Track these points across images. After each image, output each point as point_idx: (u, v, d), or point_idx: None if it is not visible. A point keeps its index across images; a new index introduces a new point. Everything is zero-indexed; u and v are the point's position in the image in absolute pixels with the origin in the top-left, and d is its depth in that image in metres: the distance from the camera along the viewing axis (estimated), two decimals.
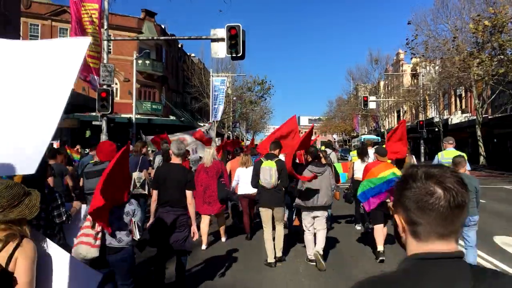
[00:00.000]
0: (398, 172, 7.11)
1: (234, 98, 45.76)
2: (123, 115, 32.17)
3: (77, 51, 2.56)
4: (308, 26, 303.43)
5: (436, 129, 37.34)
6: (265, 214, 7.10)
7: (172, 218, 5.32)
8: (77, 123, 20.13)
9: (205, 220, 8.42)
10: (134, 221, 4.43)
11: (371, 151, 10.47)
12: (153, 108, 36.24)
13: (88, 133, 30.40)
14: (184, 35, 15.90)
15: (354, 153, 11.63)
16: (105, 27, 15.45)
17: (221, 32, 14.90)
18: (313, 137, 9.89)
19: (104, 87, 15.15)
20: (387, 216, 7.27)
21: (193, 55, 51.69)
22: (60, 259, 2.62)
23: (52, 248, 2.65)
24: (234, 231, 9.69)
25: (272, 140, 7.93)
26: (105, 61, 15.43)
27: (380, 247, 7.26)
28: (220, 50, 15.15)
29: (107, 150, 5.69)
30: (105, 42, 15.57)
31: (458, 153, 8.06)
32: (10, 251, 2.23)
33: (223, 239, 8.81)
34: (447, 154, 8.38)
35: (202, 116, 47.46)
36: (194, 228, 5.44)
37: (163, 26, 38.47)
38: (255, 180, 7.11)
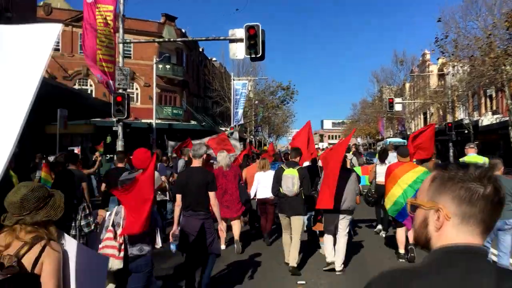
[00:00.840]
0: (421, 171, 6.94)
1: (256, 102, 45.14)
2: (143, 120, 31.90)
3: (47, 38, 2.24)
4: (331, 27, 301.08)
5: (466, 131, 35.86)
6: (284, 221, 7.16)
7: (196, 223, 5.41)
8: (93, 128, 19.78)
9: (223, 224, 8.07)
10: (156, 229, 4.50)
11: (392, 154, 10.69)
12: (174, 113, 35.90)
13: (109, 139, 30.18)
14: (202, 37, 15.56)
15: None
16: (121, 29, 14.97)
17: (240, 33, 14.35)
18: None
19: (120, 91, 14.70)
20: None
21: (214, 59, 51.33)
22: (76, 252, 2.59)
23: (69, 243, 2.63)
24: (251, 237, 9.72)
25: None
26: (120, 65, 14.96)
27: (401, 250, 7.42)
28: (238, 51, 14.58)
29: (142, 158, 5.77)
30: (121, 45, 15.09)
31: (481, 158, 8.23)
32: (36, 253, 2.25)
33: (236, 249, 8.41)
34: (469, 159, 8.31)
35: (223, 121, 47.01)
36: (220, 226, 5.59)
37: (183, 30, 38.19)
38: (276, 187, 7.08)
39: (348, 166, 8.04)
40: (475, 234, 1.22)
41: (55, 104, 14.43)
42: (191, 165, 5.84)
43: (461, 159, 8.75)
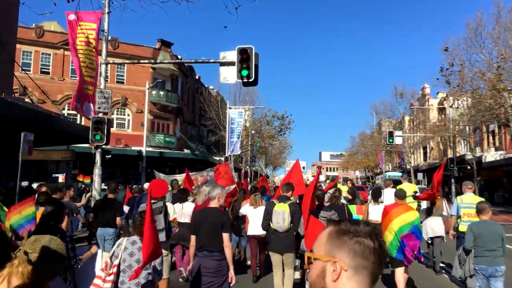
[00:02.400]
0: (415, 217, 7.10)
1: (253, 132, 44.03)
2: (133, 148, 30.66)
3: None
4: (330, 59, 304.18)
5: (469, 167, 34.65)
6: (275, 258, 6.91)
7: (211, 264, 5.36)
8: (72, 155, 18.50)
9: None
10: (154, 265, 4.55)
11: (388, 190, 11.04)
12: (166, 140, 34.65)
13: None
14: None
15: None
16: (104, 49, 13.89)
17: (231, 55, 13.31)
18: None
19: (100, 115, 13.49)
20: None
21: (211, 87, 50.54)
22: None
23: None
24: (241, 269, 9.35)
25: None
26: (101, 87, 13.81)
27: None
28: (230, 75, 13.50)
29: (160, 188, 6.40)
30: (103, 66, 13.98)
31: (478, 198, 8.34)
32: None
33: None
34: (466, 198, 8.45)
35: (218, 150, 45.73)
36: (231, 272, 5.45)
37: (179, 57, 37.38)
38: (266, 222, 6.91)
39: (343, 201, 8.02)
40: (365, 284, 1.37)
41: (28, 128, 13.18)
42: (209, 205, 5.88)
43: (458, 197, 8.69)
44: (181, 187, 11.74)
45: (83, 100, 13.45)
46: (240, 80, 13.05)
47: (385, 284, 8.45)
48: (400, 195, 7.55)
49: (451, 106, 32.97)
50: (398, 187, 10.73)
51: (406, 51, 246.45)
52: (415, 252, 7.03)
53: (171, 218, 7.64)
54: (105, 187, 12.01)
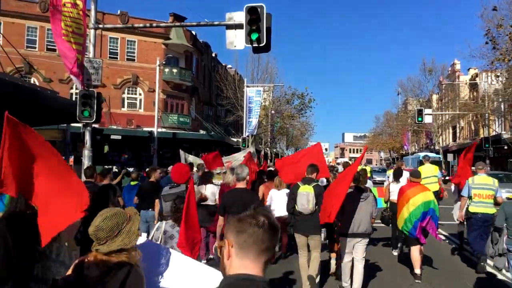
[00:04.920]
0: (431, 197, 7.36)
1: (272, 112, 41.95)
2: (145, 129, 29.07)
3: None
4: (355, 34, 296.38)
5: (506, 147, 31.99)
6: (301, 240, 6.91)
7: None
8: (63, 135, 16.89)
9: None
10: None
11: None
12: (181, 121, 32.91)
13: (106, 149, 27.49)
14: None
15: (390, 172, 11.83)
16: (92, 11, 12.10)
17: (239, 16, 11.50)
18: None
19: (89, 88, 11.76)
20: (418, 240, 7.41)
21: (229, 66, 48.50)
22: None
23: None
24: None
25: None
26: (91, 55, 12.04)
27: (417, 270, 7.42)
28: (237, 39, 11.67)
29: (180, 173, 6.65)
30: (92, 32, 12.20)
31: (490, 179, 8.47)
32: (122, 278, 2.32)
33: None
34: (478, 179, 8.47)
35: (236, 131, 43.88)
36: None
37: (193, 33, 35.43)
38: (291, 205, 6.92)
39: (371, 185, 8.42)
40: (250, 256, 1.58)
41: (11, 104, 11.50)
42: (236, 186, 6.01)
43: (470, 179, 8.62)
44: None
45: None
46: (249, 45, 11.26)
47: (402, 263, 8.66)
48: (416, 175, 7.81)
49: (477, 86, 30.16)
50: (419, 168, 11.13)
51: (437, 25, 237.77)
52: (430, 232, 7.30)
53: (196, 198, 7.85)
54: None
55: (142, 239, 2.84)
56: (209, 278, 2.77)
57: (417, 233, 7.20)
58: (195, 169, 12.71)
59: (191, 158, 15.97)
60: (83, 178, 8.05)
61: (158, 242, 4.63)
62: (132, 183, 11.17)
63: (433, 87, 51.53)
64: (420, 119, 31.06)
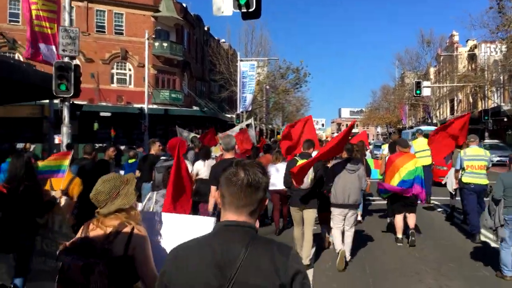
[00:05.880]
0: (419, 165, 7.79)
1: (267, 87, 40.95)
2: (135, 105, 28.16)
3: None
4: (350, 4, 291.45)
5: (505, 119, 31.34)
6: (296, 214, 6.99)
7: None
8: (40, 111, 16.00)
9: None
10: None
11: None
12: (172, 97, 31.94)
13: (96, 126, 26.65)
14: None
15: (385, 146, 12.02)
16: None
17: None
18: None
19: (65, 59, 10.90)
20: (410, 206, 7.94)
21: (222, 40, 47.19)
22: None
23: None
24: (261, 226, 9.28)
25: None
26: (66, 24, 11.11)
27: (399, 234, 8.04)
28: (225, 4, 10.67)
29: (175, 145, 6.06)
30: None
31: (482, 150, 8.82)
32: (125, 238, 2.46)
33: None
34: (470, 151, 8.65)
35: (231, 107, 42.93)
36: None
37: (184, 5, 34.14)
38: (288, 179, 6.83)
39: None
40: (232, 209, 1.71)
41: None
42: (224, 157, 6.08)
43: (461, 151, 8.84)
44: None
45: (39, 42, 10.79)
46: (238, 10, 10.31)
47: (391, 230, 8.76)
48: (403, 145, 8.09)
49: (476, 57, 29.19)
50: (413, 141, 11.66)
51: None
52: (417, 196, 7.73)
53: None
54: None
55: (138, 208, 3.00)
56: (203, 225, 2.90)
57: (386, 193, 7.94)
58: (188, 143, 12.40)
59: (186, 133, 15.56)
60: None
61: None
62: (130, 161, 11.20)
63: (431, 60, 50.54)
64: (418, 92, 30.27)
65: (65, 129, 11.07)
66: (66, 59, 10.80)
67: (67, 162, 5.81)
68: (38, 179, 5.09)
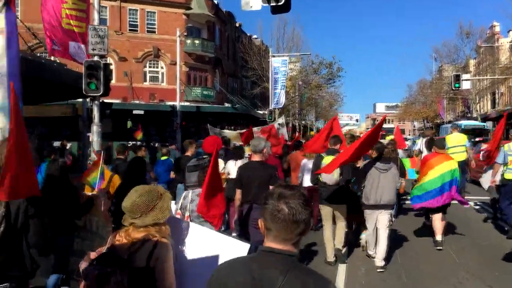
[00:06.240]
0: (455, 166, 7.45)
1: (300, 83, 40.43)
2: (168, 103, 28.31)
3: None
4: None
5: None
6: (325, 212, 6.97)
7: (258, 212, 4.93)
8: (73, 110, 16.17)
9: None
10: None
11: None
12: (204, 94, 31.98)
13: (129, 124, 26.94)
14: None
15: (418, 141, 12.21)
16: None
17: None
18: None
19: (95, 58, 10.88)
20: (443, 209, 7.56)
21: (254, 36, 46.91)
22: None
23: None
24: None
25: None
26: (95, 23, 11.09)
27: (438, 237, 7.52)
28: None
29: (210, 143, 6.78)
30: None
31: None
32: (149, 250, 2.49)
33: None
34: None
35: (263, 103, 42.66)
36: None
37: (215, 2, 34.08)
38: (315, 176, 6.92)
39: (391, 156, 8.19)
40: (277, 241, 1.74)
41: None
42: (252, 159, 6.16)
43: (506, 145, 8.52)
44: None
45: (67, 39, 10.81)
46: (267, 4, 10.09)
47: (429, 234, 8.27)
48: (439, 146, 7.84)
49: None
50: (446, 136, 11.43)
51: None
52: (455, 198, 7.42)
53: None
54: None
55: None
56: (236, 249, 2.85)
57: (416, 203, 7.60)
58: (233, 142, 12.72)
59: (218, 131, 15.66)
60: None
61: (185, 210, 5.01)
62: (163, 158, 11.30)
63: (471, 52, 48.70)
64: (457, 85, 29.06)
65: (95, 128, 11.06)
66: (95, 58, 10.79)
67: (100, 165, 6.10)
68: (75, 182, 5.43)
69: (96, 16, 11.20)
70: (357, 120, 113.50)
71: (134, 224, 2.57)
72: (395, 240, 7.72)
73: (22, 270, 3.04)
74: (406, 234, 8.50)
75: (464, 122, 36.17)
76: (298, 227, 1.71)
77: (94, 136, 11.15)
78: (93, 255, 2.54)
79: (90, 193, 5.31)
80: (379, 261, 6.55)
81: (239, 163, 8.62)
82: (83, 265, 2.47)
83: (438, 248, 7.45)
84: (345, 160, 6.20)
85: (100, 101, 11.25)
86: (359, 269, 6.64)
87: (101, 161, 6.10)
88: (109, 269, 2.36)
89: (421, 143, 12.33)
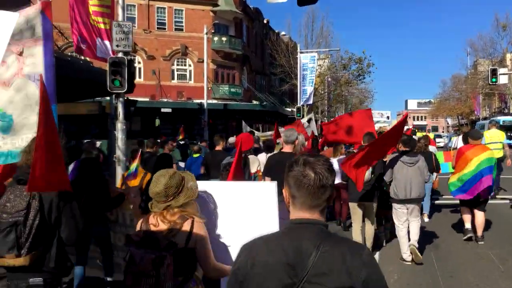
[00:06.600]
0: (492, 155, 7.37)
1: (329, 79, 39.73)
2: (195, 101, 28.27)
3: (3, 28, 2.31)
4: None
5: None
6: (355, 210, 6.97)
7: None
8: (99, 108, 16.18)
9: None
10: None
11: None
12: (232, 91, 31.81)
13: (157, 122, 27.03)
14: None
15: (454, 138, 12.41)
16: None
17: None
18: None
19: (119, 55, 10.76)
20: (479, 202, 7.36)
21: (283, 33, 46.44)
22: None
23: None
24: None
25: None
26: (119, 19, 10.98)
27: (467, 225, 7.52)
28: None
29: (246, 141, 7.33)
30: None
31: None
32: (187, 230, 2.63)
33: None
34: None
35: (291, 100, 42.19)
36: None
37: None
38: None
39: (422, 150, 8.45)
40: (303, 208, 1.71)
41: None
42: (283, 150, 6.03)
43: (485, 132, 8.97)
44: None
45: (93, 36, 10.74)
46: None
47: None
48: (475, 136, 7.67)
49: None
50: (485, 132, 11.32)
51: None
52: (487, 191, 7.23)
53: (253, 170, 8.09)
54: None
55: None
56: (264, 191, 3.00)
57: (458, 195, 7.39)
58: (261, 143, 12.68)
59: (249, 129, 15.84)
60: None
61: None
62: (195, 155, 11.24)
63: (508, 45, 46.83)
64: (494, 80, 27.78)
65: (119, 125, 10.94)
66: (120, 55, 10.67)
67: (137, 161, 6.35)
68: (106, 177, 5.64)
69: (120, 11, 11.08)
70: (388, 117, 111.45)
71: (170, 206, 2.67)
72: (429, 242, 7.52)
73: (57, 266, 3.02)
74: (442, 236, 8.07)
75: (502, 118, 34.69)
76: (325, 192, 1.70)
77: (119, 134, 11.03)
78: (134, 237, 2.63)
79: (129, 188, 5.46)
80: (414, 242, 6.52)
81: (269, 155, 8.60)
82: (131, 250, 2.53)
83: (468, 235, 7.38)
84: (367, 167, 6.22)
85: (126, 98, 11.14)
86: (391, 277, 6.11)
87: (137, 159, 6.30)
88: (163, 253, 2.45)
89: (456, 141, 11.98)
